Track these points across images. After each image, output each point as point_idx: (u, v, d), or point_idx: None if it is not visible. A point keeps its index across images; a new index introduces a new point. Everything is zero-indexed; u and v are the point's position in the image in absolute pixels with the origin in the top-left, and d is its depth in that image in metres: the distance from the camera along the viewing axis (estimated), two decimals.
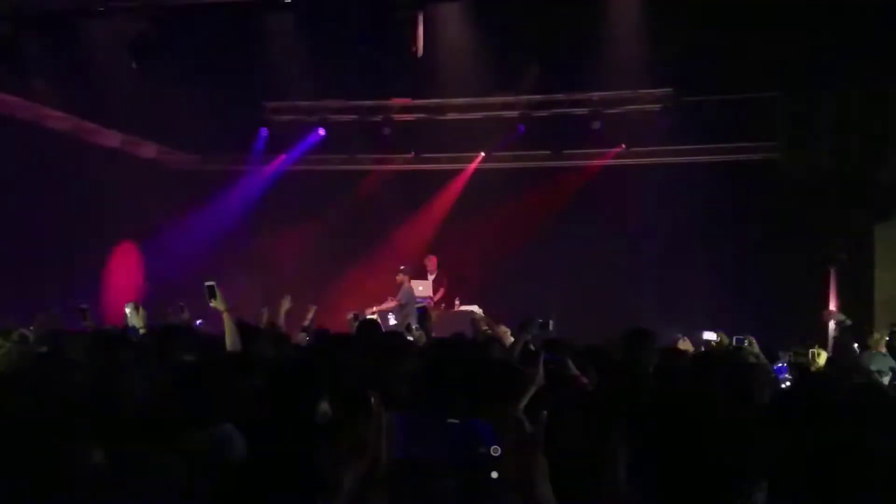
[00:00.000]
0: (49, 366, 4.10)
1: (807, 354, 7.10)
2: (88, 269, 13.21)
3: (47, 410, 3.15)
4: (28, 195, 12.27)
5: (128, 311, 6.55)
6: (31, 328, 6.79)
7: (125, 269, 14.05)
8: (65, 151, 13.10)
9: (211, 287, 5.84)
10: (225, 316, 5.51)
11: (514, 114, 14.16)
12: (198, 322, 8.47)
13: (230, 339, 5.37)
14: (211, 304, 5.86)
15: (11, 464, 2.62)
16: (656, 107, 13.52)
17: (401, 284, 12.93)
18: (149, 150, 15.42)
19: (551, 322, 7.47)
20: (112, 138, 14.51)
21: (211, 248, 14.11)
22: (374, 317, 10.37)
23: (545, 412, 2.30)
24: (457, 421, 2.20)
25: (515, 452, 2.22)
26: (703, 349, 8.26)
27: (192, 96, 12.27)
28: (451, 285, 13.63)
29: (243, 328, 5.60)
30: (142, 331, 6.50)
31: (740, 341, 7.28)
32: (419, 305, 11.80)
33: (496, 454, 2.17)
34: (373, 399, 2.33)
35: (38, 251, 12.32)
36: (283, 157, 15.33)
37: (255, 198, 15.39)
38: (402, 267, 13.09)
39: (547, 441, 2.29)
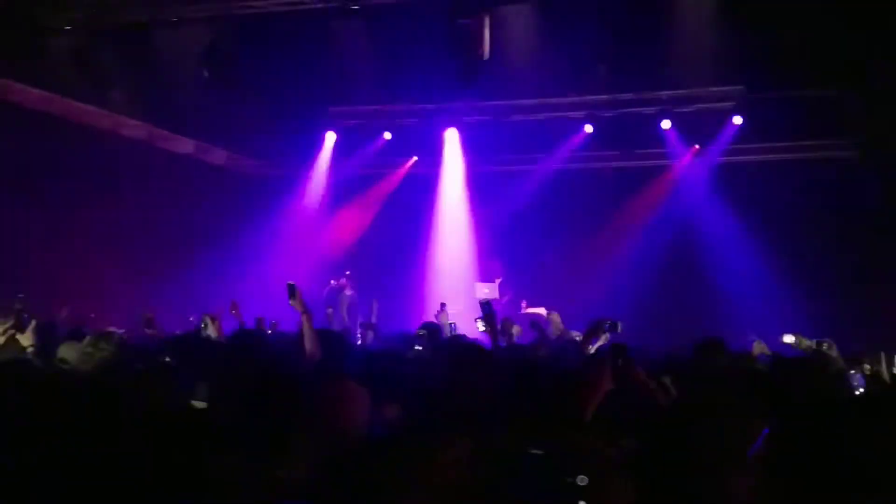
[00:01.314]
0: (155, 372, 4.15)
1: (880, 362, 6.88)
2: (157, 273, 13.48)
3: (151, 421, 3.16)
4: (104, 200, 12.60)
5: (206, 321, 6.63)
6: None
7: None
8: (139, 158, 13.42)
9: (291, 286, 5.87)
10: (303, 318, 5.49)
11: (581, 114, 14.02)
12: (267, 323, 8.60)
13: (309, 343, 5.35)
14: (291, 304, 5.89)
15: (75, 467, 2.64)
16: (728, 105, 13.26)
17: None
18: (218, 156, 15.72)
19: (619, 324, 7.37)
20: (184, 145, 14.83)
21: (278, 251, 14.34)
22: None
23: (630, 440, 2.27)
24: (540, 452, 2.17)
25: (601, 479, 2.18)
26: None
27: (259, 103, 12.47)
28: (518, 288, 13.58)
29: (325, 335, 5.59)
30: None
31: (819, 344, 7.11)
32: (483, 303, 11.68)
33: (583, 483, 2.14)
34: None
35: (112, 254, 12.64)
36: (349, 161, 15.47)
37: (323, 200, 15.57)
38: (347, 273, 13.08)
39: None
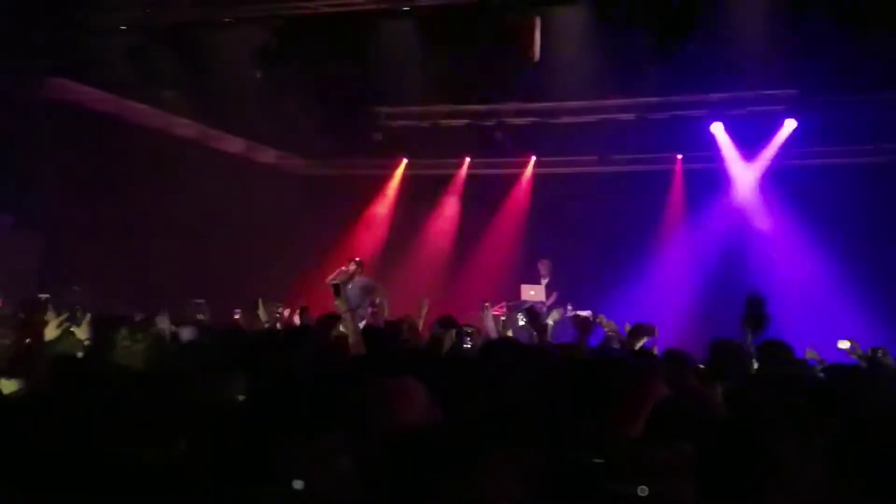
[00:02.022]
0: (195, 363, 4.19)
1: None
2: (204, 269, 13.65)
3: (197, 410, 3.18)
4: (156, 199, 12.80)
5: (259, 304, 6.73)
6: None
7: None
8: (190, 157, 13.60)
9: (336, 286, 5.92)
10: (347, 316, 5.53)
11: (630, 116, 13.90)
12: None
13: (353, 340, 5.39)
14: (336, 304, 5.93)
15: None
16: (779, 108, 13.06)
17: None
18: (268, 155, 15.88)
19: (655, 329, 7.29)
20: (235, 144, 15.00)
21: (326, 250, 14.45)
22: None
23: (687, 446, 2.24)
24: (601, 461, 2.15)
25: (661, 488, 2.16)
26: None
27: (309, 103, 12.57)
28: (565, 290, 13.50)
29: (369, 332, 5.63)
30: (266, 325, 6.63)
31: (874, 351, 6.97)
32: (526, 306, 11.63)
33: (643, 494, 2.11)
34: None
35: (160, 251, 12.82)
36: (401, 160, 15.54)
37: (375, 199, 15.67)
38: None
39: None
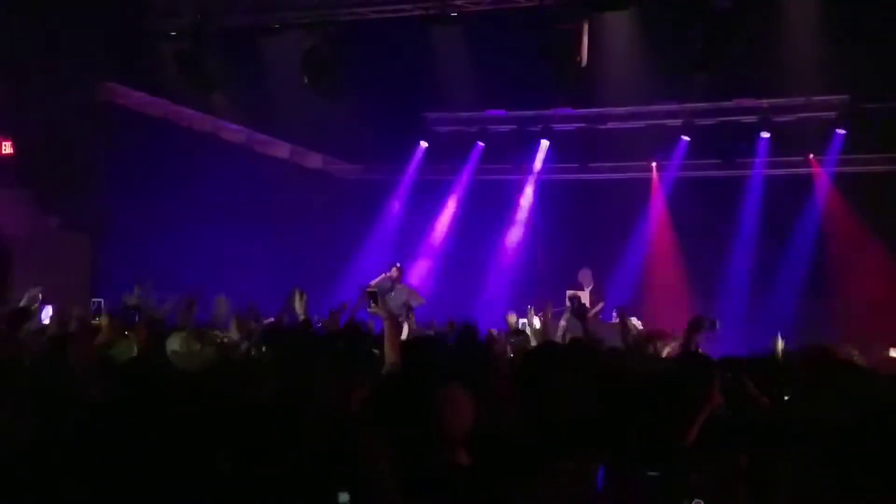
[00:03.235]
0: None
1: None
2: (251, 273, 13.73)
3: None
4: (203, 202, 12.92)
5: (295, 295, 6.68)
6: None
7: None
8: (239, 161, 13.74)
9: (373, 293, 5.86)
10: (386, 324, 5.47)
11: (677, 122, 13.78)
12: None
13: (391, 348, 5.34)
14: (369, 311, 5.89)
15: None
16: (831, 114, 12.84)
17: None
18: (315, 160, 15.99)
19: (717, 322, 7.20)
20: (282, 149, 15.14)
21: (372, 253, 14.52)
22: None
23: (744, 458, 2.19)
24: (656, 474, 2.12)
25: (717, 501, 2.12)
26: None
27: (356, 108, 12.63)
28: (609, 298, 13.36)
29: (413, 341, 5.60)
30: (301, 316, 6.57)
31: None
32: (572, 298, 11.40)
33: None
34: None
35: (209, 254, 12.93)
36: (445, 167, 15.57)
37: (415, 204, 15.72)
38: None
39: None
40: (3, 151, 11.23)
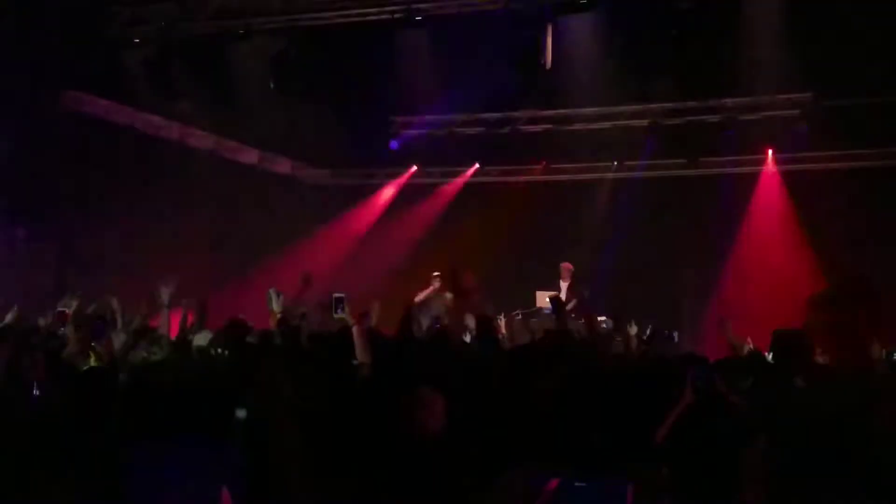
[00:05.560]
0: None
1: None
2: (221, 280, 13.64)
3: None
4: (171, 209, 12.84)
5: (271, 295, 6.67)
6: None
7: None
8: (206, 168, 13.66)
9: (339, 299, 5.88)
10: (354, 329, 5.51)
11: (643, 122, 13.86)
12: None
13: (359, 350, 5.39)
14: (335, 316, 5.91)
15: None
16: (795, 112, 13.00)
17: None
18: (284, 165, 15.94)
19: (676, 334, 7.25)
20: (250, 155, 15.07)
21: (341, 259, 14.47)
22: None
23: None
24: (584, 484, 2.14)
25: None
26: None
27: (323, 112, 12.61)
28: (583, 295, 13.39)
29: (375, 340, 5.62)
30: (278, 315, 6.55)
31: None
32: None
33: None
34: None
35: (178, 261, 12.82)
36: (412, 170, 15.58)
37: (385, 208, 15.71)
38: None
39: None
40: None
